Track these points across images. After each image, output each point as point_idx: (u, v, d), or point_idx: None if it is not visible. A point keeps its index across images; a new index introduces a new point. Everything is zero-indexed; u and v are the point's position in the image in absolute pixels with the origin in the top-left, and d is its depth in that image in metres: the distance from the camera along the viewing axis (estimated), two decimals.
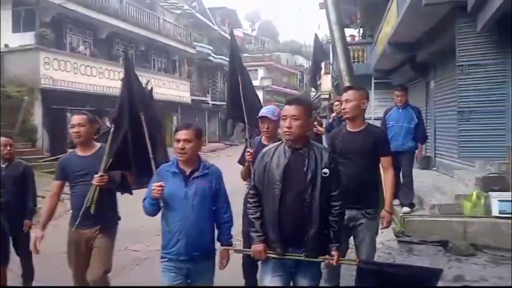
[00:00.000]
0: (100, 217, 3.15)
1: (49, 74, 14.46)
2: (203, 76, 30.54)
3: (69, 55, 15.92)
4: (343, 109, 3.24)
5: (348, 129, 3.25)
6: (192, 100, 25.46)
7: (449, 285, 4.08)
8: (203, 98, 28.49)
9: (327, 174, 2.46)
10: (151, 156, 2.84)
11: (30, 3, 14.38)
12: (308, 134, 2.62)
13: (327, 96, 29.38)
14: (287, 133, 2.48)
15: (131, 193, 3.40)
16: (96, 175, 3.06)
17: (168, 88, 22.55)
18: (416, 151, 5.96)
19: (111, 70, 17.76)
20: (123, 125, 3.08)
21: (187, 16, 26.97)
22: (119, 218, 3.40)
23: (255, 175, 2.62)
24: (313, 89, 41.73)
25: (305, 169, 2.44)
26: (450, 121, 7.99)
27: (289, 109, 2.52)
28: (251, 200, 2.62)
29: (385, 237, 5.35)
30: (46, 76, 14.34)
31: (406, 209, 5.65)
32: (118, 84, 18.39)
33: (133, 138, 2.98)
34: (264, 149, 2.68)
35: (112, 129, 3.18)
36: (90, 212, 3.08)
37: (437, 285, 2.62)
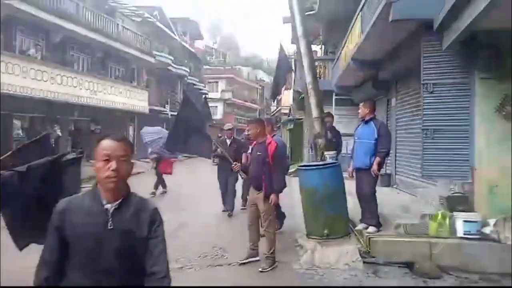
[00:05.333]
0: None
1: None
2: (163, 86, 29.83)
3: (18, 57, 14.85)
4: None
5: None
6: (150, 110, 24.69)
7: None
8: (162, 109, 27.76)
9: None
10: None
11: None
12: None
13: (287, 111, 29.60)
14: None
15: None
16: None
17: (125, 97, 21.73)
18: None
19: (63, 75, 16.81)
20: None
21: (147, 24, 26.31)
22: None
23: None
24: (273, 104, 42.05)
25: None
26: (411, 139, 8.01)
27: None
28: None
29: (350, 258, 5.14)
30: None
31: (371, 228, 5.48)
32: (71, 90, 17.63)
33: None
34: None
35: None
36: None
37: None
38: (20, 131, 15.71)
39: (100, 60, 21.14)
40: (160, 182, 11.17)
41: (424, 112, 6.02)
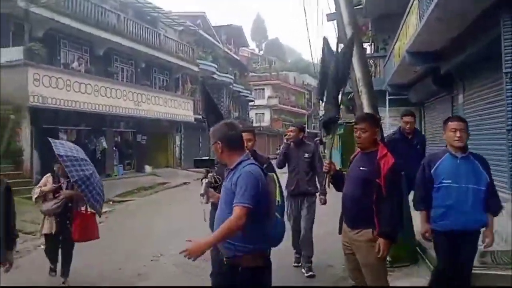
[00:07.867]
0: None
1: (39, 91, 13.47)
2: None
3: (61, 71, 14.91)
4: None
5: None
6: (196, 119, 24.37)
7: None
8: None
9: None
10: None
11: (20, 16, 13.54)
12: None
13: None
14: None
15: None
16: None
17: (170, 107, 21.58)
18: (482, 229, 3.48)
19: (107, 87, 16.79)
20: None
21: (190, 33, 26.18)
22: None
23: None
24: (321, 108, 40.74)
25: None
26: (487, 142, 6.74)
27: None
28: None
29: None
30: (35, 93, 13.36)
31: None
32: (116, 101, 17.50)
33: None
34: None
35: None
36: None
37: None
38: None
39: (144, 71, 21.15)
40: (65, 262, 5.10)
41: (508, 108, 4.85)
